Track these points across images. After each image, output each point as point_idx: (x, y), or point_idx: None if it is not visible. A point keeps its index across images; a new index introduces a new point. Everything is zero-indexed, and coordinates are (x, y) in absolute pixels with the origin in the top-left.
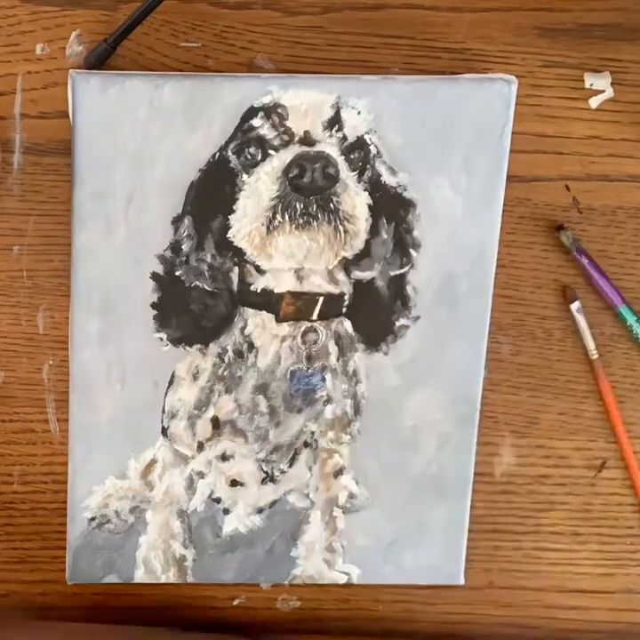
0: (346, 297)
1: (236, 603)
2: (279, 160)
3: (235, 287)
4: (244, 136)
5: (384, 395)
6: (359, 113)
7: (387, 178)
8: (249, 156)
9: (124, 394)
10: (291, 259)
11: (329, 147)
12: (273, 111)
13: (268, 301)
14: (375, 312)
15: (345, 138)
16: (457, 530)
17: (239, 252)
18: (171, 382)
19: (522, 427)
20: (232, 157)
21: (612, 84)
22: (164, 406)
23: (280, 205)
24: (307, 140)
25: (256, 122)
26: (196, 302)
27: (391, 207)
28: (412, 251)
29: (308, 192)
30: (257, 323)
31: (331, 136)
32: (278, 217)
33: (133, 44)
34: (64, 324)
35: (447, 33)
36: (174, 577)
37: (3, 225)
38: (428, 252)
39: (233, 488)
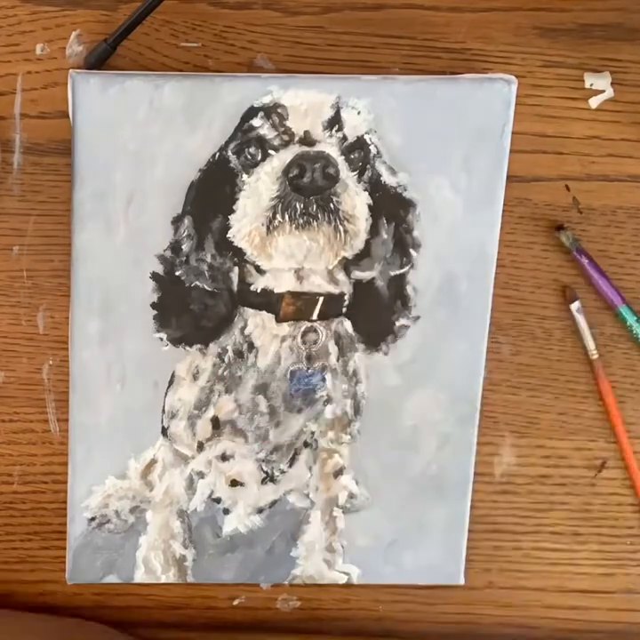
0: (346, 297)
1: (236, 603)
2: (279, 160)
3: (235, 287)
4: (243, 136)
5: (384, 395)
6: (359, 113)
7: (387, 178)
8: (249, 156)
9: (124, 394)
10: (291, 259)
11: (329, 147)
12: (273, 111)
13: (268, 301)
14: (375, 312)
15: (345, 138)
16: (457, 530)
17: (239, 252)
18: (171, 382)
19: (522, 427)
20: (232, 157)
21: (612, 84)
22: (164, 406)
23: (280, 205)
24: (307, 140)
25: (256, 122)
26: (196, 302)
27: (391, 207)
28: (411, 251)
29: (308, 192)
30: (257, 323)
31: (331, 136)
32: (278, 217)
33: (133, 44)
34: (64, 323)
35: (447, 33)
36: (174, 577)
37: (3, 225)
38: (428, 251)
39: (233, 488)
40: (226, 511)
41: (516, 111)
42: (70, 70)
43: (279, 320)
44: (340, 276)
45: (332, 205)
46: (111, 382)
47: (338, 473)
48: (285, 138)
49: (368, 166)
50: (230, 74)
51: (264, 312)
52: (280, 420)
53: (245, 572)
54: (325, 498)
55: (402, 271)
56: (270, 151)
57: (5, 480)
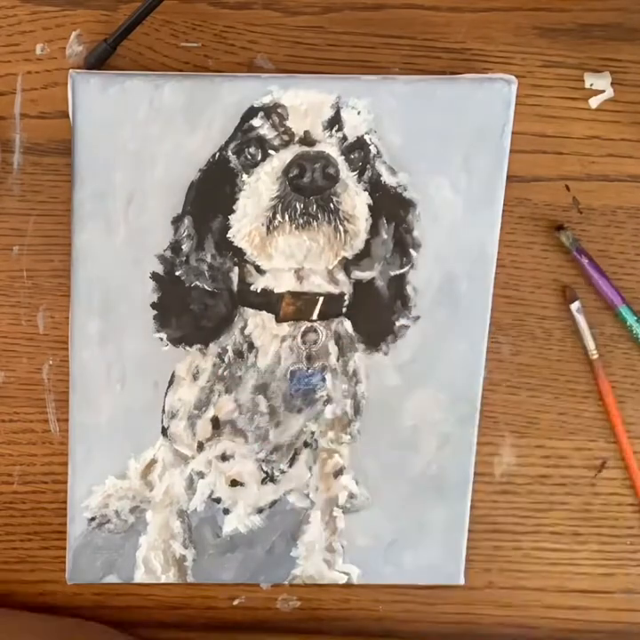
0: (346, 297)
1: (236, 603)
2: (279, 160)
3: (235, 287)
4: (243, 136)
5: (384, 395)
6: (359, 113)
7: (387, 178)
8: (249, 156)
9: (124, 394)
10: (291, 259)
11: (329, 147)
12: (273, 111)
13: (268, 301)
14: (375, 312)
15: (345, 138)
16: (457, 530)
17: (239, 252)
18: (171, 382)
19: (522, 427)
20: (232, 157)
21: (612, 84)
22: (164, 406)
23: (280, 205)
24: (307, 140)
25: (256, 122)
26: (196, 302)
27: (391, 207)
28: (411, 251)
29: (308, 192)
30: (257, 323)
31: (331, 136)
32: (278, 217)
33: (133, 44)
34: (64, 323)
35: (447, 33)
36: (174, 577)
37: (3, 225)
38: (428, 251)
39: (233, 488)
40: (226, 511)
41: (516, 111)
42: (70, 70)
43: (279, 320)
44: (340, 276)
45: (332, 205)
46: (111, 382)
47: (338, 473)
48: (285, 138)
49: (368, 166)
50: (230, 74)
51: (264, 312)
52: (280, 420)
53: (245, 572)
54: (325, 498)
55: (402, 271)
56: (270, 151)
57: (5, 480)
